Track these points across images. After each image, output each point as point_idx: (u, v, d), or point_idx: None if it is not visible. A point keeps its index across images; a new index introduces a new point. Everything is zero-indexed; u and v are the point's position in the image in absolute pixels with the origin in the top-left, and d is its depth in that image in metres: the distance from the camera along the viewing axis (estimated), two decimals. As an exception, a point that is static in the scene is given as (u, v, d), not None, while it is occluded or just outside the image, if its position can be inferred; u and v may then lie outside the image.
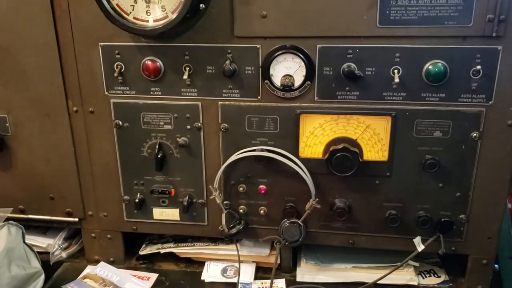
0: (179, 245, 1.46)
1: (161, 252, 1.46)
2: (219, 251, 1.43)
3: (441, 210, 1.26)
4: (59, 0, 1.22)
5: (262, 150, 1.25)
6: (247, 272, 1.39)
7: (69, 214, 1.43)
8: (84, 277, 1.37)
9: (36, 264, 1.32)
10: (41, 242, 1.49)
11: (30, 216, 1.45)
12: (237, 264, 1.40)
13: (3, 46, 1.28)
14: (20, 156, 1.39)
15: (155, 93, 1.27)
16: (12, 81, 1.31)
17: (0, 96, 1.33)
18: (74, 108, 1.32)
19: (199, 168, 1.32)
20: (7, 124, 1.36)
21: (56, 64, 1.28)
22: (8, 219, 1.32)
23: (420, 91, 1.17)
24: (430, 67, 1.13)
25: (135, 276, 1.39)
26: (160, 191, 1.35)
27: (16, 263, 1.25)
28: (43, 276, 1.31)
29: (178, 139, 1.30)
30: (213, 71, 1.22)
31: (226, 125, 1.27)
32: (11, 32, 1.26)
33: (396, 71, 1.15)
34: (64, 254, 1.50)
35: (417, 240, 1.26)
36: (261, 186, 1.31)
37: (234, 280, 1.36)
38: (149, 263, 1.47)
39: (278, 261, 1.37)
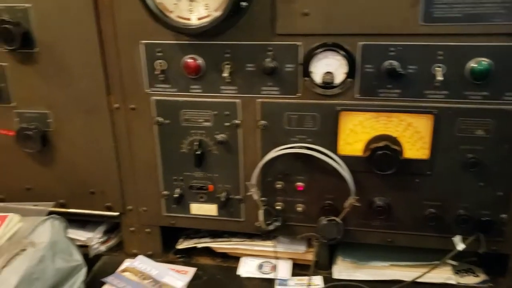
0: (216, 240, 1.48)
1: (198, 247, 1.47)
2: (255, 246, 1.44)
3: (481, 210, 1.24)
4: None
5: (301, 147, 1.26)
6: (284, 269, 1.39)
7: (109, 209, 1.46)
8: (124, 270, 1.40)
9: (78, 257, 1.34)
10: (80, 235, 1.52)
11: (70, 210, 1.48)
12: (272, 260, 1.41)
13: (46, 43, 1.30)
14: (61, 151, 1.41)
15: (195, 90, 1.28)
16: (55, 77, 1.33)
17: (43, 92, 1.36)
18: (116, 105, 1.34)
19: (237, 165, 1.33)
20: (49, 120, 1.38)
21: (98, 60, 1.29)
22: (49, 213, 1.35)
23: (463, 89, 1.15)
24: (474, 65, 1.12)
25: (173, 269, 1.41)
26: (198, 187, 1.37)
27: (59, 256, 1.27)
28: (85, 269, 1.33)
29: (216, 136, 1.31)
30: (253, 69, 1.23)
31: (265, 122, 1.27)
32: (55, 28, 1.28)
33: (439, 69, 1.14)
34: (103, 248, 1.53)
35: (457, 239, 1.25)
36: (298, 183, 1.32)
37: (270, 276, 1.37)
38: (186, 257, 1.49)
39: (315, 258, 1.37)
